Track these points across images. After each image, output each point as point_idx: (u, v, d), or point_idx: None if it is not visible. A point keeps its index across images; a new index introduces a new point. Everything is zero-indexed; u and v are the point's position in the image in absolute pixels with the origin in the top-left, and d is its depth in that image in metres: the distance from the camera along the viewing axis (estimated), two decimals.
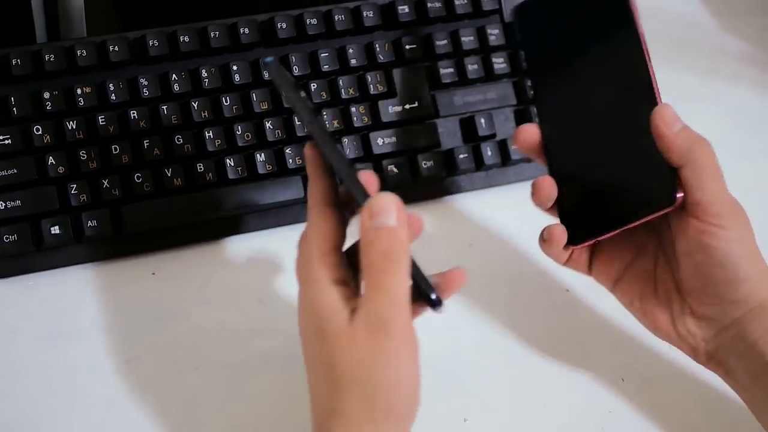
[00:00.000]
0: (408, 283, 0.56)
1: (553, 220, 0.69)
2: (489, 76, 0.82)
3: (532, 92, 0.70)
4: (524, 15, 0.74)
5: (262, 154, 0.76)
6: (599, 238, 0.67)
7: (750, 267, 0.63)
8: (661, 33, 0.98)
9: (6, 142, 0.72)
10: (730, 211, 0.63)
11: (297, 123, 0.77)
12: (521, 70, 0.82)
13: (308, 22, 0.79)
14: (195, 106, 0.75)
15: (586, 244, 0.68)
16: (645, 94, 0.66)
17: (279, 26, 0.78)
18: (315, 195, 0.60)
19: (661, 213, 0.64)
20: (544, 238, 0.67)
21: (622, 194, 0.66)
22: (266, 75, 0.76)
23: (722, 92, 0.93)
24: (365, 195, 0.57)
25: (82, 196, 0.73)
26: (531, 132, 0.70)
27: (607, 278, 0.69)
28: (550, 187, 0.68)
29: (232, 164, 0.75)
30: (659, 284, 0.67)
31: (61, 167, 0.72)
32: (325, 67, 0.79)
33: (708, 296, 0.64)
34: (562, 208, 0.69)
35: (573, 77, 0.70)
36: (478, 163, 0.81)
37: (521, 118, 0.82)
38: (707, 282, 0.64)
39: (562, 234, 0.67)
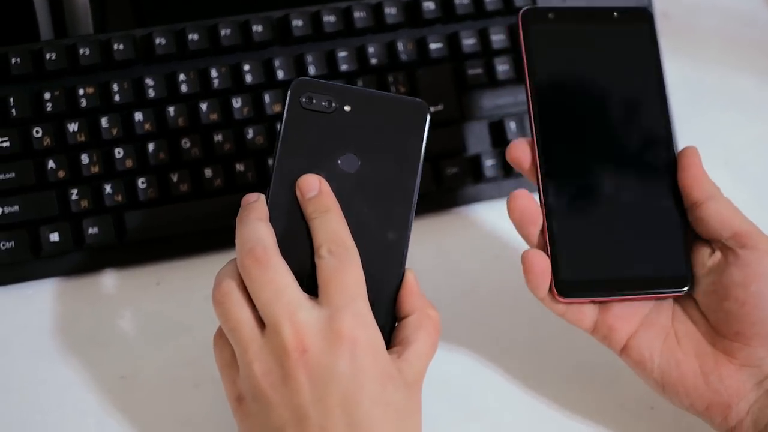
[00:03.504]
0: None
1: None
2: (520, 77, 0.77)
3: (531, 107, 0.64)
4: (532, 24, 0.66)
5: None
6: (596, 300, 0.61)
7: None
8: (717, 30, 0.93)
9: (4, 144, 0.69)
10: None
11: None
12: None
13: (326, 20, 0.75)
14: (203, 108, 0.72)
15: (577, 301, 0.61)
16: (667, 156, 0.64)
17: (294, 24, 0.74)
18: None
19: (675, 295, 0.62)
20: (524, 267, 0.61)
21: (634, 259, 0.62)
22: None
23: None
24: None
25: (83, 202, 0.70)
26: (523, 150, 0.63)
27: (618, 338, 0.62)
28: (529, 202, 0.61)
29: (242, 169, 0.72)
30: (682, 338, 0.61)
31: (61, 171, 0.70)
32: (343, 67, 0.75)
33: (757, 335, 0.59)
34: (555, 246, 0.61)
35: (585, 107, 0.64)
36: (507, 170, 0.76)
37: None
38: (759, 318, 0.59)
39: (544, 265, 0.60)
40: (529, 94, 0.64)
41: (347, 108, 0.60)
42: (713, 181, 0.62)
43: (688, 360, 0.60)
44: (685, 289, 0.61)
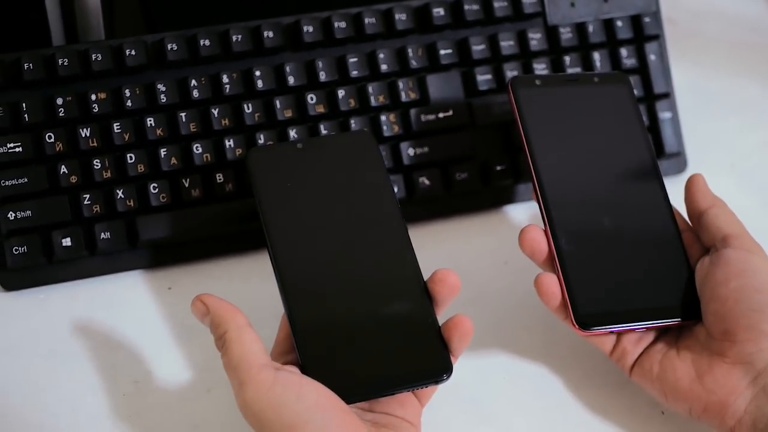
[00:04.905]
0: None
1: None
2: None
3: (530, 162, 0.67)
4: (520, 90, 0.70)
5: None
6: (613, 330, 0.64)
7: None
8: (723, 36, 0.93)
9: (17, 149, 0.69)
10: (756, 244, 0.64)
11: (323, 131, 0.73)
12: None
13: (336, 26, 0.75)
14: (215, 113, 0.72)
15: (597, 333, 0.64)
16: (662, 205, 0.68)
17: (305, 29, 0.74)
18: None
19: (682, 323, 0.64)
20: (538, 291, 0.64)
21: (648, 290, 0.65)
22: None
23: None
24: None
25: (96, 207, 0.70)
26: (538, 239, 0.65)
27: (629, 359, 0.64)
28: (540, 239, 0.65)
29: None
30: (682, 349, 0.63)
31: (73, 176, 0.70)
32: (353, 73, 0.75)
33: (742, 329, 0.60)
34: (570, 277, 0.64)
35: (581, 159, 0.69)
36: (517, 176, 0.76)
37: None
38: (741, 312, 0.60)
39: (554, 286, 0.64)
40: (527, 149, 0.68)
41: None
42: (717, 195, 0.66)
43: (685, 366, 0.62)
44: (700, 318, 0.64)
